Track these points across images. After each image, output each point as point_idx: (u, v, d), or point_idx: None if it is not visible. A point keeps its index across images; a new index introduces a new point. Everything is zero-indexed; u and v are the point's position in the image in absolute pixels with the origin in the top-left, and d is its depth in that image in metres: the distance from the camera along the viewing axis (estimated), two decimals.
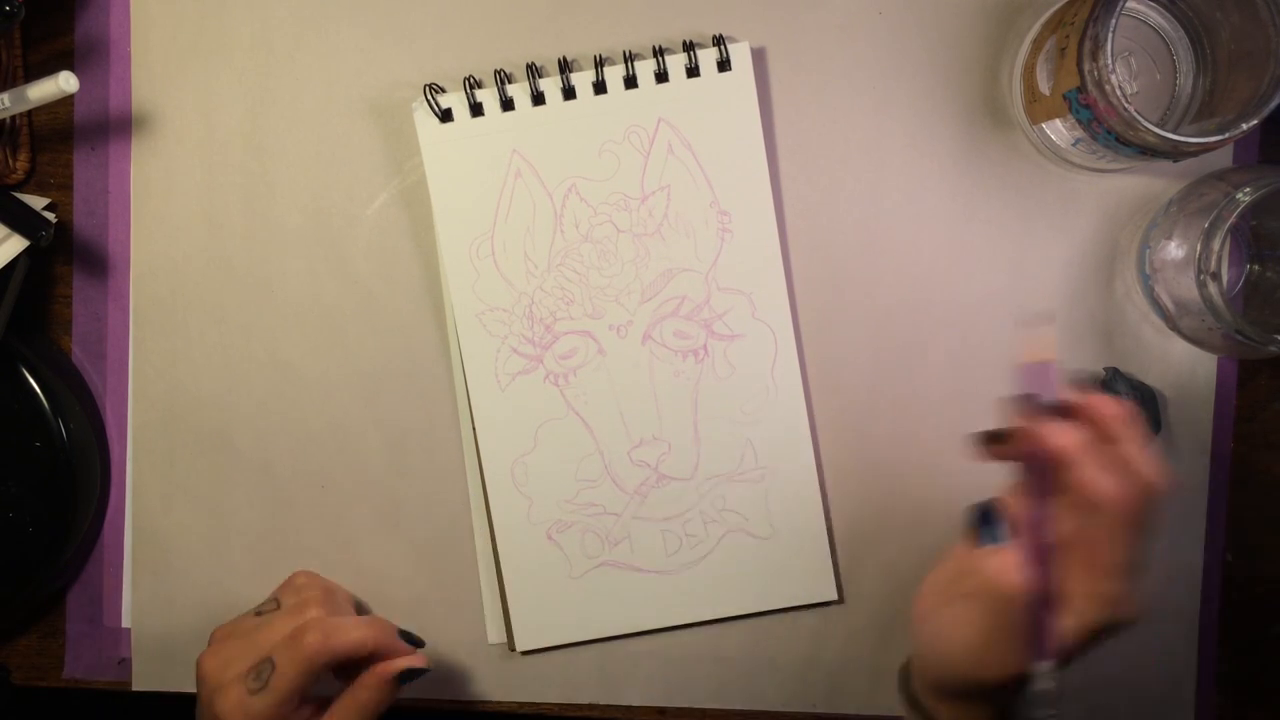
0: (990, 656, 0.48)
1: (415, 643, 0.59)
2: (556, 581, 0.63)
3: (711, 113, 0.60)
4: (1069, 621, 0.46)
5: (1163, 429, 0.61)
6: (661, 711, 0.65)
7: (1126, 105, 0.51)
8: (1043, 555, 0.46)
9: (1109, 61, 0.51)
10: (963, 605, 0.49)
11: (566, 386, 0.62)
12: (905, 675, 0.55)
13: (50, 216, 0.61)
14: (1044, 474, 0.46)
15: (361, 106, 0.63)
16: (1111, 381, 0.61)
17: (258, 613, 0.58)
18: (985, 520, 0.50)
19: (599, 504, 0.62)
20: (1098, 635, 0.46)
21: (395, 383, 0.63)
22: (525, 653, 0.63)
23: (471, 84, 0.60)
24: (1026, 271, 0.62)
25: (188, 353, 0.64)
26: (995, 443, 0.48)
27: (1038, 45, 0.58)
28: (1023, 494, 0.48)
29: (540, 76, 0.61)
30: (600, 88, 0.60)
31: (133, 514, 0.65)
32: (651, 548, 0.62)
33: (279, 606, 0.58)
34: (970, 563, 0.49)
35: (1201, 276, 0.54)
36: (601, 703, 0.64)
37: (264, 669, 0.53)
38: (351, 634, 0.54)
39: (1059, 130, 0.58)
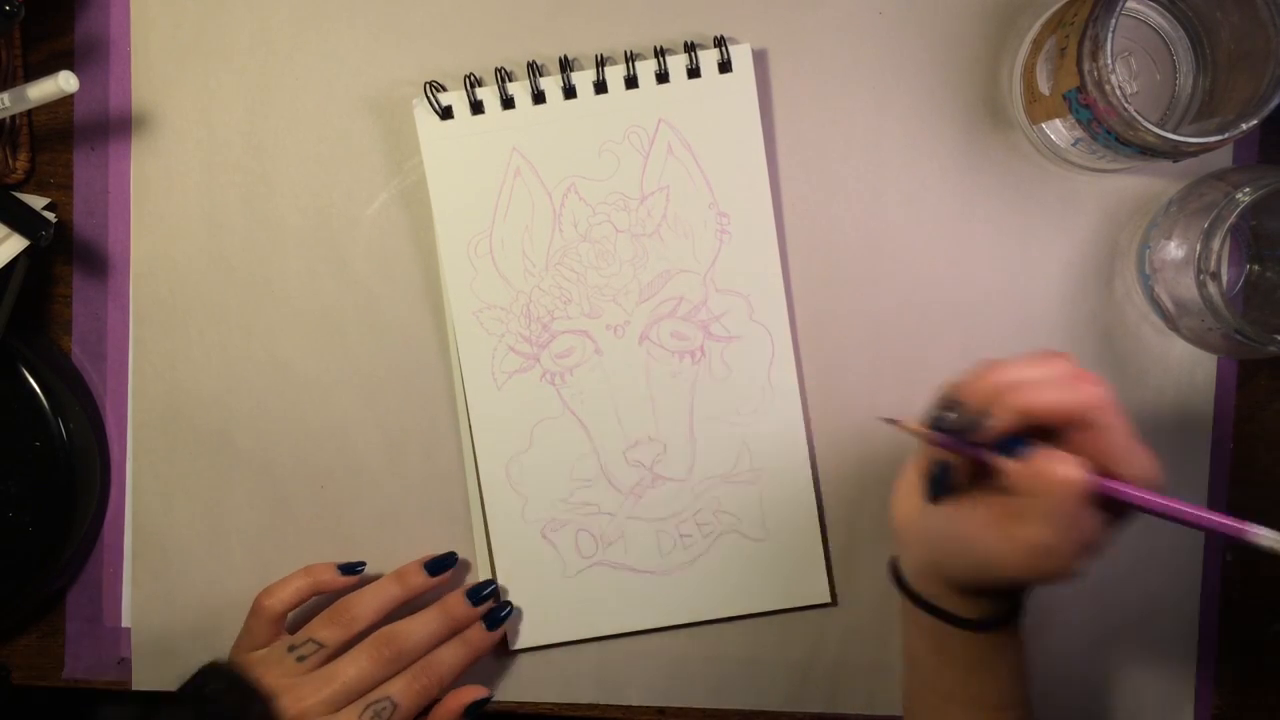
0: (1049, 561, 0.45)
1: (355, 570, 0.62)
2: (551, 580, 0.63)
3: (712, 114, 0.60)
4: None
5: None
6: (660, 711, 0.65)
7: (1126, 105, 0.51)
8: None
9: (1109, 61, 0.51)
10: (986, 511, 0.47)
11: (563, 385, 0.62)
12: (896, 568, 0.54)
13: (50, 216, 0.61)
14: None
15: (361, 106, 0.63)
16: None
17: (292, 649, 0.58)
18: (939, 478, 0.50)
19: (594, 503, 0.62)
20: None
21: (395, 382, 0.63)
22: (519, 651, 0.64)
23: (472, 82, 0.60)
24: (1026, 271, 0.62)
25: (188, 353, 0.64)
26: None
27: (1038, 45, 0.58)
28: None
29: (541, 75, 0.61)
30: (601, 87, 0.60)
31: (133, 514, 0.65)
32: (645, 548, 0.62)
33: (320, 646, 0.58)
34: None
35: (1201, 276, 0.54)
36: (600, 702, 0.64)
37: (383, 709, 0.56)
38: (455, 665, 0.59)
39: (1059, 130, 0.58)
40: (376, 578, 0.62)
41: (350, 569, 0.62)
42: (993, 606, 0.51)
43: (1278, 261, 0.59)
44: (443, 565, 0.62)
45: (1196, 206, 0.55)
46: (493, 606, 0.61)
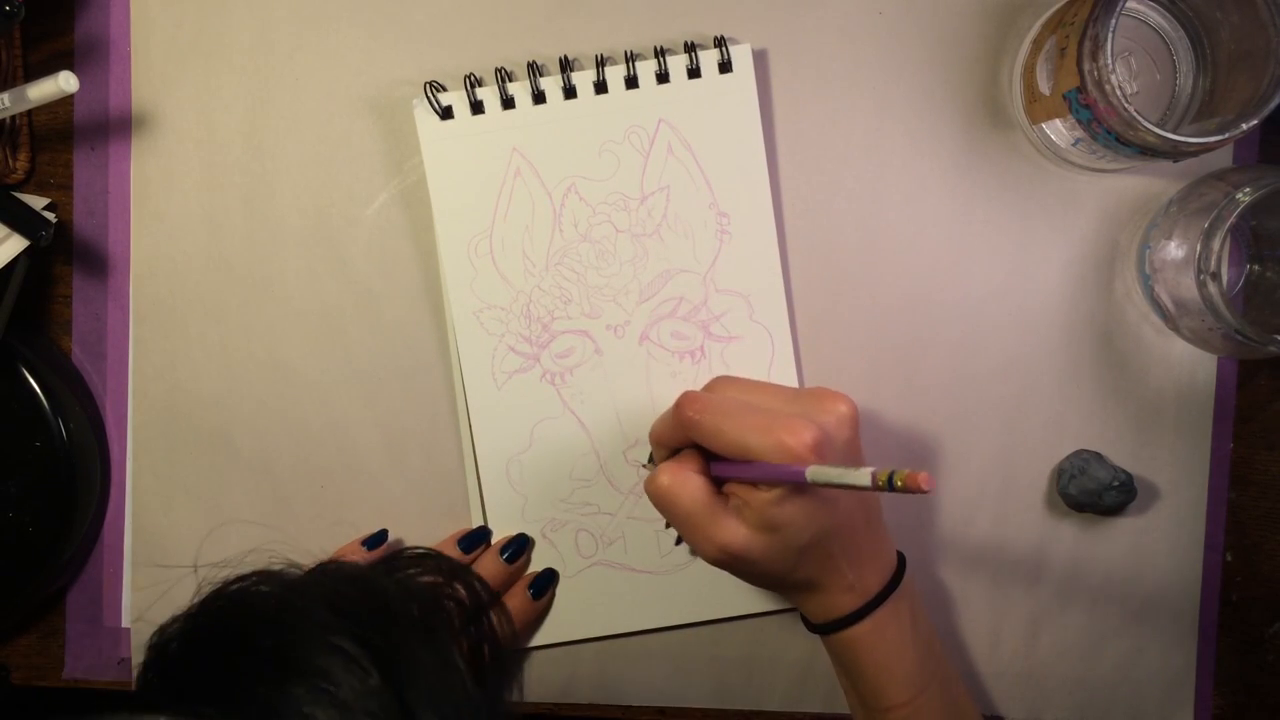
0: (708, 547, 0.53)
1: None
2: None
3: (712, 114, 0.60)
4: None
5: (1135, 498, 0.61)
6: (661, 711, 0.65)
7: (1126, 105, 0.51)
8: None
9: (1109, 61, 0.51)
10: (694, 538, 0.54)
11: (563, 386, 0.62)
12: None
13: (50, 216, 0.61)
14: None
15: (361, 106, 0.63)
16: (1087, 466, 0.61)
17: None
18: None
19: (594, 503, 0.62)
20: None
21: (395, 382, 0.63)
22: (519, 650, 0.64)
23: (472, 82, 0.60)
24: (1026, 271, 0.62)
25: (188, 353, 0.64)
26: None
27: (1038, 45, 0.58)
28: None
29: (541, 75, 0.60)
30: (601, 87, 0.60)
31: (133, 514, 0.65)
32: (645, 548, 0.62)
33: None
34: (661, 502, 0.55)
35: (1201, 276, 0.54)
36: (601, 702, 0.64)
37: None
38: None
39: (1059, 130, 0.58)
40: (399, 543, 0.63)
41: (375, 542, 0.62)
42: (820, 608, 0.55)
43: (1278, 261, 0.59)
44: (476, 540, 0.62)
45: (1196, 206, 0.55)
46: (535, 574, 0.62)
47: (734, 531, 0.52)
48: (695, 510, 0.53)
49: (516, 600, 0.61)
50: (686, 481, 0.53)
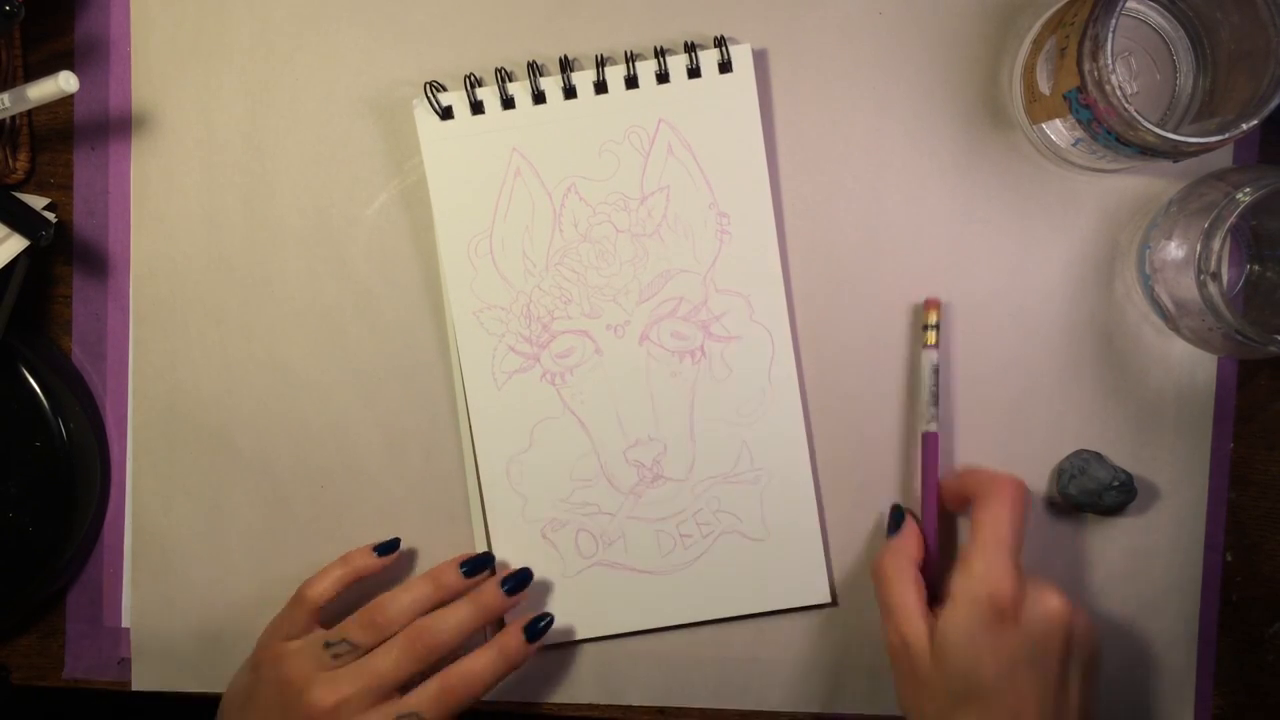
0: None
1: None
2: (551, 580, 0.63)
3: (712, 114, 0.60)
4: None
5: (1135, 498, 0.61)
6: (661, 711, 0.65)
7: (1126, 105, 0.51)
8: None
9: (1109, 61, 0.51)
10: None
11: (563, 386, 0.62)
12: None
13: (50, 216, 0.61)
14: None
15: (361, 106, 0.63)
16: (1087, 466, 0.61)
17: (328, 646, 0.58)
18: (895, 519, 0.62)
19: (594, 503, 0.62)
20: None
21: (395, 382, 0.63)
22: None
23: (472, 82, 0.60)
24: (1026, 271, 0.62)
25: (188, 353, 0.64)
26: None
27: (1038, 45, 0.58)
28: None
29: (541, 75, 0.60)
30: (601, 87, 0.60)
31: (133, 514, 0.65)
32: (645, 548, 0.62)
33: (353, 646, 0.58)
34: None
35: (1201, 276, 0.54)
36: (601, 703, 0.64)
37: None
38: (486, 675, 0.58)
39: (1059, 130, 0.58)
40: (410, 553, 0.63)
41: (386, 549, 0.62)
42: None
43: (1278, 261, 0.59)
44: (479, 566, 0.61)
45: (1196, 206, 0.55)
46: (533, 616, 0.60)
47: (923, 631, 0.56)
48: (903, 605, 0.57)
49: (511, 639, 0.59)
50: (906, 579, 0.58)
